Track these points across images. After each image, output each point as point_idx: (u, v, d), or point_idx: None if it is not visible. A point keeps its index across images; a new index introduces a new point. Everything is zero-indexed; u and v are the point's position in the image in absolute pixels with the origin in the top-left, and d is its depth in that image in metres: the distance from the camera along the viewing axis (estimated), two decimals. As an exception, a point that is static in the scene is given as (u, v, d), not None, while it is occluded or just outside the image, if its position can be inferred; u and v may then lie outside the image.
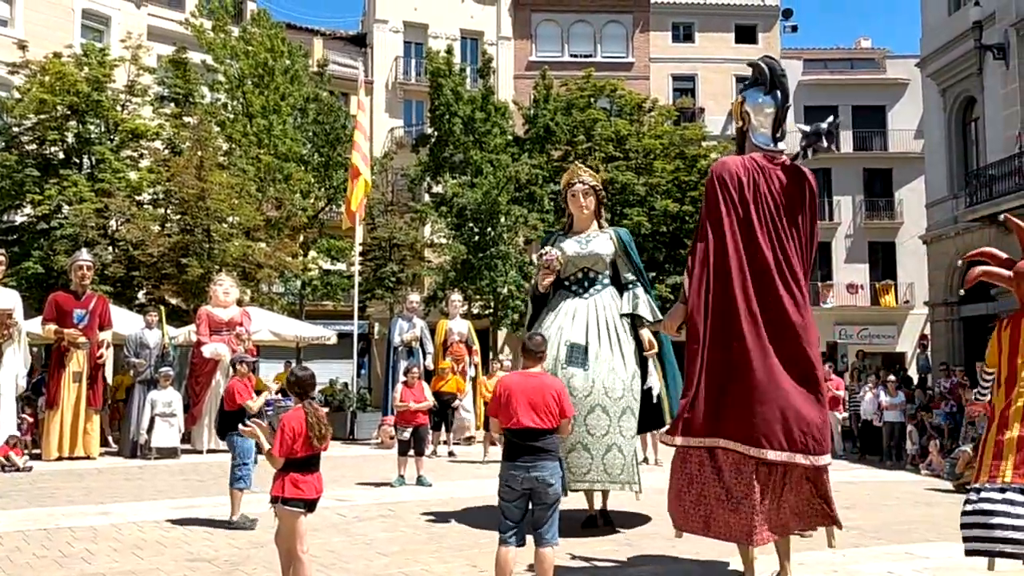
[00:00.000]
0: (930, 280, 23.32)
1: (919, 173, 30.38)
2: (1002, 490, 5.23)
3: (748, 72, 6.92)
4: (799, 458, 5.82)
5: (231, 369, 8.62)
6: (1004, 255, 6.04)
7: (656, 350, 8.30)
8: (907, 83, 34.82)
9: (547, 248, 8.47)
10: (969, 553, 5.42)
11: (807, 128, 6.66)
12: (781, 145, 6.66)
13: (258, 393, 8.56)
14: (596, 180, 8.83)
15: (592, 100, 28.00)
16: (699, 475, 6.11)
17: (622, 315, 8.28)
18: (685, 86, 36.24)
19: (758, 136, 6.58)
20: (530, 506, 5.49)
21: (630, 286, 8.46)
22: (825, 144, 6.53)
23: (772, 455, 5.80)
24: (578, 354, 7.92)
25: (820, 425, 5.92)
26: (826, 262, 36.72)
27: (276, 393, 11.90)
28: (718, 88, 36.29)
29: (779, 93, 6.60)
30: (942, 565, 6.96)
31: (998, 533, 5.18)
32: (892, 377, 16.22)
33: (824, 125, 6.55)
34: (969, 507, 5.35)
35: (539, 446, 5.41)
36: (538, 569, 5.51)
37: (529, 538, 5.54)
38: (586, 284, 8.41)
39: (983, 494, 5.31)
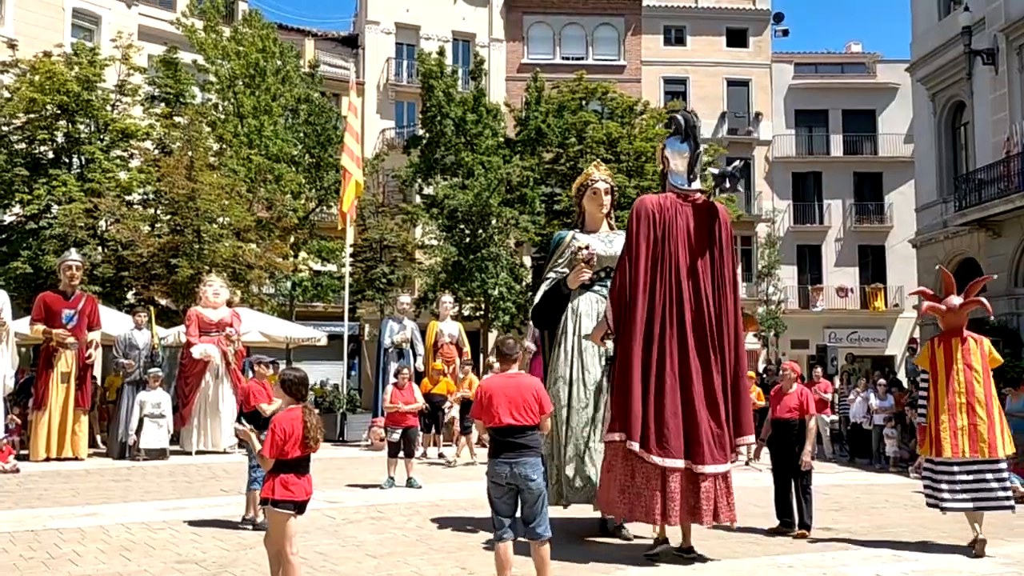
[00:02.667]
0: (919, 284, 23.41)
1: (909, 177, 30.52)
2: (961, 463, 7.69)
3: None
4: (704, 468, 6.94)
5: (250, 370, 8.50)
6: (931, 292, 8.96)
7: None
8: (897, 87, 34.98)
9: (587, 243, 8.20)
10: (931, 506, 7.93)
11: (716, 171, 7.89)
12: (695, 184, 7.65)
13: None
14: (613, 180, 8.81)
15: (584, 102, 28.04)
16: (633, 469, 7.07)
17: None
18: (676, 89, 36.33)
19: (675, 178, 7.61)
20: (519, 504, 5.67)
21: None
22: (728, 185, 7.69)
23: (664, 463, 6.88)
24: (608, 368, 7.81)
25: (716, 436, 7.05)
26: (816, 266, 36.87)
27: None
28: (709, 91, 36.38)
29: (692, 141, 7.67)
30: (930, 568, 6.98)
31: (948, 495, 7.70)
32: (882, 380, 16.25)
33: (729, 168, 7.84)
34: (931, 474, 7.90)
35: (521, 442, 5.68)
36: (537, 563, 5.64)
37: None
38: (606, 286, 8.14)
39: (941, 467, 7.78)
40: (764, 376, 18.88)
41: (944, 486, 7.75)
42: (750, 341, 33.28)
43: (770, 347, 34.00)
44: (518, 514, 5.76)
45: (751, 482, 10.29)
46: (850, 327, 35.01)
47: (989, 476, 7.68)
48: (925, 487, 8.12)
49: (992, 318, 19.63)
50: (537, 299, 8.40)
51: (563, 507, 8.03)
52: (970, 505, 7.68)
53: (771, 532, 8.35)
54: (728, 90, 36.72)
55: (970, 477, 7.69)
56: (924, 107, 23.74)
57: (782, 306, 34.70)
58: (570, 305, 8.15)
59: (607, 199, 8.51)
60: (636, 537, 7.91)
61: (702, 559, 7.09)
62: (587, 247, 8.11)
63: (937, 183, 22.95)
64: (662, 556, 7.05)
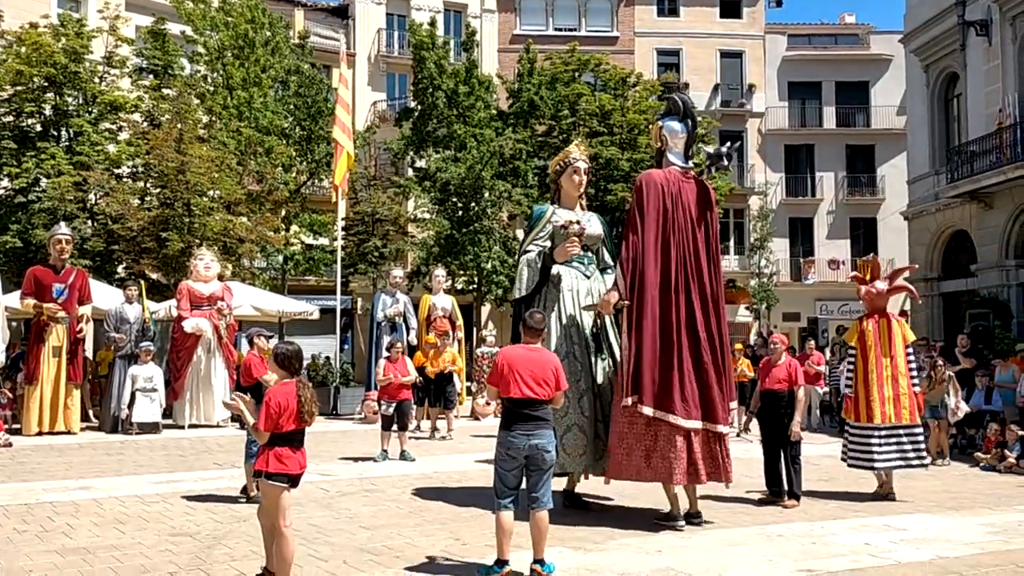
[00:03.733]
0: (911, 256, 23.45)
1: (901, 149, 30.49)
2: (887, 428, 8.83)
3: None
4: (720, 428, 7.45)
5: (248, 344, 8.49)
6: (862, 276, 9.55)
7: None
8: (891, 59, 34.86)
9: (578, 218, 8.32)
10: (852, 467, 9.09)
11: (710, 150, 8.42)
12: (691, 163, 8.21)
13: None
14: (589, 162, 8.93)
15: (576, 74, 27.87)
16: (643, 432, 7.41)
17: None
18: (670, 61, 36.12)
19: (674, 155, 8.01)
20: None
21: (609, 270, 8.46)
22: (725, 163, 8.32)
23: (688, 424, 7.26)
24: (597, 342, 8.04)
25: (721, 398, 7.48)
26: (808, 238, 36.91)
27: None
28: (703, 63, 36.19)
29: (689, 121, 8.16)
30: (919, 536, 7.06)
31: (878, 455, 8.79)
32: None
33: (724, 149, 8.31)
34: (859, 438, 8.98)
35: (537, 415, 5.75)
36: (534, 531, 5.69)
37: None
38: (585, 262, 8.33)
39: (869, 431, 8.86)
40: (755, 348, 18.93)
41: (875, 448, 8.82)
42: (742, 314, 33.41)
43: (762, 319, 34.12)
44: (522, 486, 5.80)
45: (742, 453, 10.37)
46: (841, 299, 35.11)
47: (906, 439, 8.87)
48: (850, 450, 9.13)
49: (985, 291, 19.76)
50: (526, 273, 8.33)
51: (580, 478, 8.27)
52: (894, 464, 8.85)
53: (761, 502, 8.44)
54: (721, 62, 36.53)
55: (892, 439, 8.86)
56: (917, 79, 23.67)
57: (774, 279, 34.78)
58: (551, 279, 8.20)
59: (585, 178, 8.61)
60: (605, 500, 8.19)
61: (708, 522, 7.38)
62: (577, 222, 8.20)
63: (929, 155, 22.93)
64: (671, 521, 7.23)
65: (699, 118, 28.91)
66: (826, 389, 16.96)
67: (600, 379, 7.96)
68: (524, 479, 5.80)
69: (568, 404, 7.64)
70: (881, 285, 9.27)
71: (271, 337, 8.39)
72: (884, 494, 8.85)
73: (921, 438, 9.09)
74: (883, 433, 8.85)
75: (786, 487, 8.41)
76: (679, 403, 7.27)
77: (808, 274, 36.12)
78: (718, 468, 7.45)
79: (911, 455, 8.89)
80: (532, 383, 5.75)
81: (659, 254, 7.59)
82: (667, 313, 7.50)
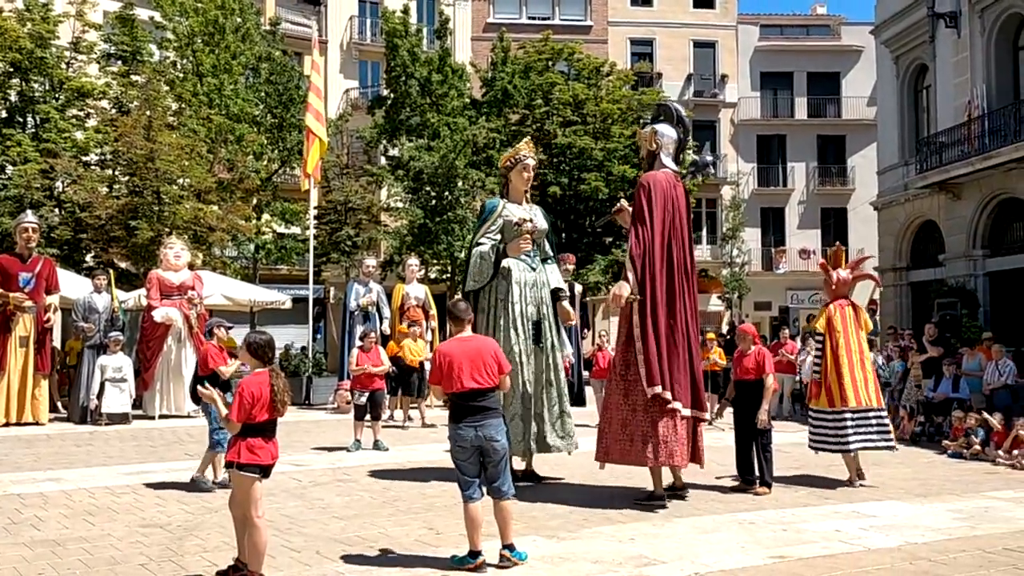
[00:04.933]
0: (880, 246, 23.71)
1: (872, 140, 30.78)
2: (860, 411, 8.98)
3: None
4: (705, 415, 8.38)
5: (208, 335, 8.48)
6: (827, 265, 9.89)
7: (575, 321, 9.27)
8: (861, 50, 35.15)
9: (528, 216, 8.86)
10: (821, 451, 9.27)
11: (696, 158, 9.60)
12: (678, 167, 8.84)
13: (232, 356, 8.39)
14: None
15: (550, 63, 27.83)
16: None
17: (554, 289, 8.95)
18: (643, 50, 36.21)
19: (667, 159, 8.51)
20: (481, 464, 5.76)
21: (549, 260, 9.11)
22: (712, 171, 10.24)
23: (686, 412, 7.88)
24: (538, 331, 8.61)
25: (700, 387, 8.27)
26: (779, 228, 37.23)
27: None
28: (676, 53, 36.30)
29: (682, 128, 8.79)
30: (888, 523, 7.15)
31: (853, 437, 8.94)
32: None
33: (709, 158, 10.23)
34: (832, 422, 9.04)
35: (483, 405, 5.71)
36: (499, 519, 5.71)
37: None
38: (532, 256, 8.84)
39: (845, 414, 8.97)
40: (728, 337, 19.05)
41: (850, 431, 8.96)
42: (714, 303, 33.63)
43: (733, 309, 34.37)
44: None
45: (713, 441, 10.44)
46: (812, 289, 35.41)
47: (874, 422, 9.08)
48: (818, 435, 9.24)
49: (953, 281, 20.02)
50: (479, 265, 8.67)
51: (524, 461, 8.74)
52: (866, 445, 9.06)
53: (733, 489, 8.52)
54: (694, 51, 36.68)
55: (863, 422, 9.04)
56: (887, 70, 23.87)
57: (745, 268, 35.05)
58: (500, 272, 8.65)
59: (532, 175, 9.16)
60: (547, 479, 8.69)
61: (684, 497, 7.92)
62: (531, 220, 8.77)
63: (899, 146, 23.17)
64: (658, 501, 7.62)
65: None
66: (798, 377, 17.12)
67: (543, 369, 8.57)
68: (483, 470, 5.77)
69: (512, 395, 8.23)
70: (844, 273, 9.52)
71: (231, 328, 8.48)
72: (853, 479, 8.98)
73: (887, 421, 9.35)
74: (856, 416, 9.00)
75: (758, 475, 8.49)
76: (683, 393, 7.88)
77: (779, 263, 36.45)
78: (699, 452, 8.14)
79: (878, 438, 9.11)
80: (475, 374, 5.68)
81: (663, 252, 8.10)
82: (672, 307, 8.04)
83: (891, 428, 9.50)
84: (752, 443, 8.55)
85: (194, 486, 8.10)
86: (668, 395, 7.72)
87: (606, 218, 9.20)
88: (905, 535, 6.74)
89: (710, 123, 35.93)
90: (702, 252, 33.92)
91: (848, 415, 9.00)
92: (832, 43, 37.54)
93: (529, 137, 12.15)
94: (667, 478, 7.93)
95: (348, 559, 5.85)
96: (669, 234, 8.16)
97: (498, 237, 8.72)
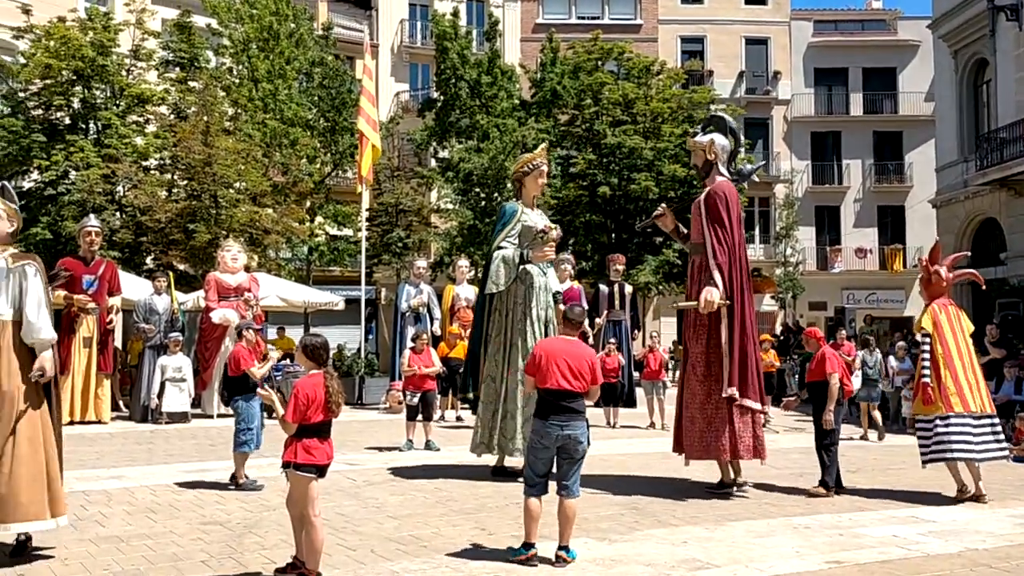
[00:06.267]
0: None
1: (929, 136, 30.14)
2: (978, 416, 8.24)
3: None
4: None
5: (238, 336, 8.69)
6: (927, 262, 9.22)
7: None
8: (918, 45, 34.41)
9: (550, 224, 9.12)
10: (947, 460, 8.25)
11: (741, 167, 9.76)
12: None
13: (264, 358, 8.62)
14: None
15: (599, 63, 27.73)
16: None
17: (554, 292, 9.18)
18: (694, 48, 35.88)
19: (724, 168, 9.00)
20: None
21: (548, 264, 9.31)
22: (756, 179, 10.01)
23: (757, 407, 8.53)
24: (547, 334, 8.76)
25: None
26: (835, 227, 36.61)
27: (280, 360, 11.91)
28: (727, 50, 35.91)
29: (734, 139, 9.29)
30: (947, 528, 7.01)
31: (977, 447, 8.17)
32: (902, 342, 16.14)
33: (750, 167, 9.81)
34: (957, 428, 8.17)
35: (572, 406, 5.83)
36: (561, 518, 5.80)
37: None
38: (545, 262, 9.15)
39: (965, 419, 8.19)
40: (781, 338, 18.82)
41: (972, 439, 8.16)
42: (767, 303, 33.21)
43: (787, 309, 33.90)
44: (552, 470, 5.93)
45: (769, 444, 10.33)
46: (868, 288, 34.85)
47: (988, 429, 8.33)
48: (936, 443, 8.22)
49: (1015, 280, 19.50)
50: (503, 270, 8.84)
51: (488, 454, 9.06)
52: (993, 455, 8.30)
53: (809, 494, 8.38)
54: (746, 49, 36.24)
55: (984, 429, 8.29)
56: (945, 64, 23.36)
57: (800, 268, 34.52)
58: (520, 276, 8.86)
59: (545, 181, 9.50)
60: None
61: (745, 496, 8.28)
62: (555, 228, 9.02)
63: (958, 142, 22.65)
64: (726, 489, 8.30)
65: (723, 106, 28.98)
66: (858, 379, 16.79)
67: None
68: (555, 467, 5.88)
69: (530, 396, 8.21)
70: (944, 271, 8.87)
71: (259, 331, 8.67)
72: (975, 495, 8.15)
73: (1000, 428, 8.55)
74: (977, 422, 8.22)
75: (823, 476, 8.43)
76: (759, 391, 8.55)
77: (835, 263, 35.83)
78: (760, 446, 8.53)
79: (995, 447, 8.30)
80: (569, 375, 5.81)
81: (740, 258, 8.69)
82: (746, 310, 8.58)
83: (1003, 436, 8.67)
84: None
85: (244, 486, 8.18)
86: (748, 402, 8.31)
87: (648, 222, 9.52)
88: (965, 541, 6.60)
89: (763, 120, 35.49)
90: (755, 251, 33.52)
91: (965, 421, 8.19)
92: (888, 38, 36.80)
93: (546, 143, 12.72)
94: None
95: (402, 557, 5.92)
96: (739, 241, 8.75)
97: (516, 241, 8.95)
